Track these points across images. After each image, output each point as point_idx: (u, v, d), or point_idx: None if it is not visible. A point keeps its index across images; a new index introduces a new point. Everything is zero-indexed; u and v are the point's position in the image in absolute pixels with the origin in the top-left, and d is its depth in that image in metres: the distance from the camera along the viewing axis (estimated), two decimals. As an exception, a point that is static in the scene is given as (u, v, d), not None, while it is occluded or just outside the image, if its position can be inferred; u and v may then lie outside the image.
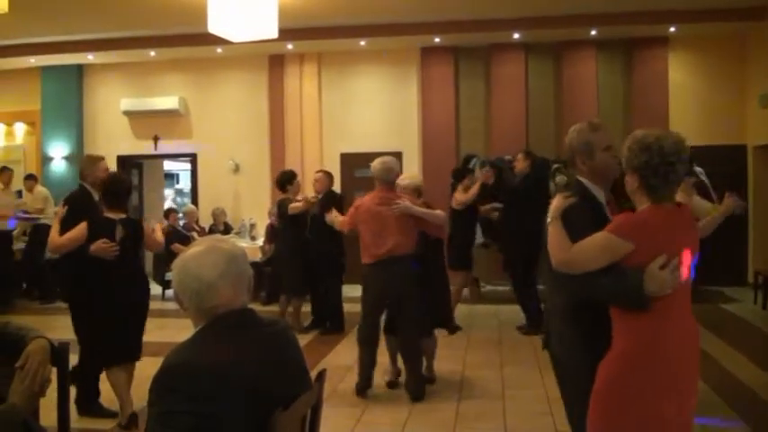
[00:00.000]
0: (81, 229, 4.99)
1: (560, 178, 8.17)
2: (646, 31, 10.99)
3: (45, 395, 2.43)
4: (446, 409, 5.27)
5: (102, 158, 5.80)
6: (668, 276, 2.48)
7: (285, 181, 8.40)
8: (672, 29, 10.88)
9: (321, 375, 2.29)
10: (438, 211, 5.72)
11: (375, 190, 5.78)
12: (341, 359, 6.93)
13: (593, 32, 11.06)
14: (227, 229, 11.72)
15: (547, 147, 10.58)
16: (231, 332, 2.04)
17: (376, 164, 5.81)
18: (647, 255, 2.51)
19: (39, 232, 10.20)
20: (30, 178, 11.46)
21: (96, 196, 5.41)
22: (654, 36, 11.20)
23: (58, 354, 2.58)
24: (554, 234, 2.77)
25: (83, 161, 6.24)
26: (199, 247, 2.13)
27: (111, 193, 5.17)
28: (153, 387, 1.94)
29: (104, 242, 4.93)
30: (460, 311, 9.28)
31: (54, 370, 2.53)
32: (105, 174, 5.52)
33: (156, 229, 5.59)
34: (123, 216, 5.11)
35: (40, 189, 11.23)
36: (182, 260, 2.11)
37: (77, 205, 5.34)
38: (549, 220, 2.83)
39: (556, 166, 8.72)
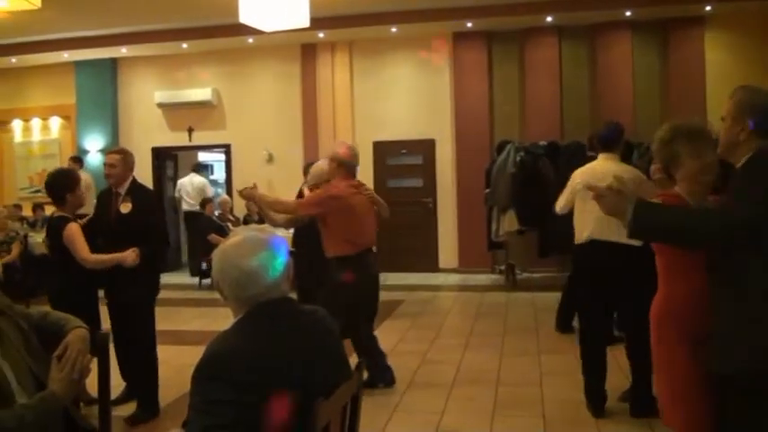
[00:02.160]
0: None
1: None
2: (681, 10, 10.79)
3: (85, 384, 2.45)
4: (483, 396, 5.23)
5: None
6: None
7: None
8: (708, 8, 10.66)
9: (360, 364, 2.29)
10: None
11: (342, 177, 5.32)
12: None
13: (628, 13, 10.89)
14: (261, 219, 11.73)
15: (582, 131, 10.41)
16: (271, 321, 2.05)
17: (350, 150, 5.42)
18: None
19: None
20: (75, 161, 11.46)
21: None
22: (689, 16, 10.98)
23: (97, 343, 2.60)
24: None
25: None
26: (238, 236, 2.13)
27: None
28: (195, 376, 1.95)
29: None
30: (495, 299, 9.26)
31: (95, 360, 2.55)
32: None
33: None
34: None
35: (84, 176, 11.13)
36: (222, 250, 2.11)
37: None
38: None
39: (591, 153, 8.60)
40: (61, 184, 4.80)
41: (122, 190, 4.96)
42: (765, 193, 2.30)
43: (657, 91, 11.26)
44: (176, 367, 5.51)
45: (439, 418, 4.79)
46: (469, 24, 11.33)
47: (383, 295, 8.81)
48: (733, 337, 2.41)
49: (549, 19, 11.07)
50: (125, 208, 4.89)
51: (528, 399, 5.16)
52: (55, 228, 4.72)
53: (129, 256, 4.63)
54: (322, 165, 5.78)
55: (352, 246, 5.24)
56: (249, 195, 5.19)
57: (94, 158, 13.05)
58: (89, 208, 6.40)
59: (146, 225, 4.92)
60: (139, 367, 4.95)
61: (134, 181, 5.05)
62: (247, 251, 2.06)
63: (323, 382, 2.02)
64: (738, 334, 2.39)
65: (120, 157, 4.99)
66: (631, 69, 11.24)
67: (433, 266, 11.80)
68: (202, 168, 13.40)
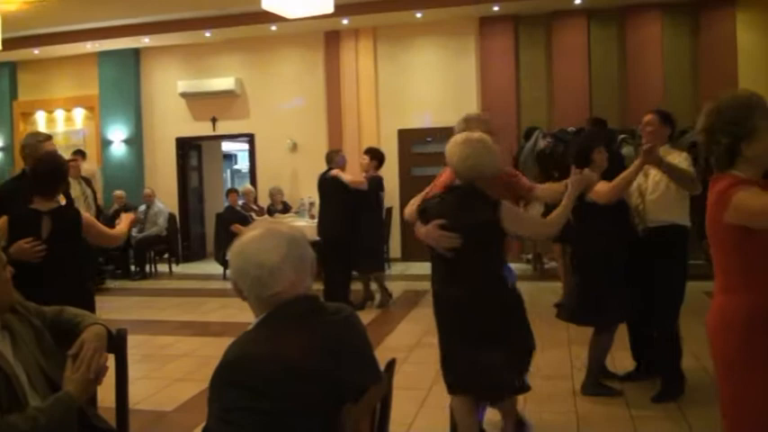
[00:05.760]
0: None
1: (627, 149, 7.86)
2: (712, -9, 10.49)
3: (101, 383, 2.36)
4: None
5: (49, 138, 4.92)
6: None
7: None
8: (739, -12, 10.36)
9: (390, 366, 2.15)
10: None
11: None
12: (404, 339, 6.81)
13: (658, -6, 10.62)
14: (285, 209, 11.69)
15: (612, 117, 10.18)
16: (296, 321, 1.91)
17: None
18: None
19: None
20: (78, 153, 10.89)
21: None
22: (720, -4, 10.70)
23: (115, 341, 2.50)
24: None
25: (24, 138, 5.09)
26: (256, 231, 1.99)
27: (37, 177, 4.17)
28: (213, 382, 1.82)
29: (27, 241, 3.90)
30: (523, 288, 9.08)
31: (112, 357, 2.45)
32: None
33: (123, 220, 4.58)
34: (55, 206, 4.10)
35: (87, 167, 10.85)
36: (239, 246, 1.97)
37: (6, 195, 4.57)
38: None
39: (622, 136, 8.40)
40: (55, 173, 4.18)
41: None
42: None
43: (688, 73, 10.97)
44: (200, 359, 5.43)
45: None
46: (496, 8, 11.12)
47: (406, 285, 8.73)
48: None
49: (577, 1, 10.84)
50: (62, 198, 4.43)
51: (560, 392, 5.01)
52: (68, 217, 4.13)
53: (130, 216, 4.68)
54: None
55: None
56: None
57: (119, 149, 13.06)
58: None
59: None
60: None
61: None
62: (267, 246, 1.92)
63: (351, 385, 1.89)
64: None
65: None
66: (661, 52, 10.97)
67: (459, 255, 11.68)
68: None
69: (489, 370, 3.44)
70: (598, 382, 4.94)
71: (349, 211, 8.05)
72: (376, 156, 8.41)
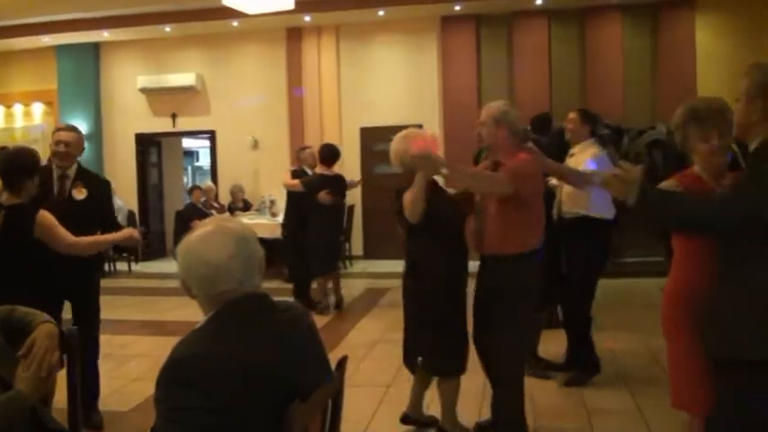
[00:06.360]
0: None
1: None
2: (671, -7, 10.64)
3: (54, 381, 2.33)
4: (473, 384, 5.02)
5: None
6: None
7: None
8: (698, -10, 10.54)
9: (341, 363, 2.14)
10: None
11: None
12: (364, 336, 6.82)
13: (618, -4, 10.76)
14: (246, 207, 11.63)
15: (572, 116, 10.30)
16: (244, 319, 1.88)
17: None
18: None
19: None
20: None
21: None
22: (680, -2, 10.87)
23: (66, 340, 2.47)
24: None
25: None
26: (204, 228, 1.96)
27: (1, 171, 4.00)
28: (160, 381, 1.79)
29: None
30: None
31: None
32: None
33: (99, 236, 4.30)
34: (16, 203, 3.91)
35: None
36: (186, 244, 1.94)
37: None
38: None
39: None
40: (22, 167, 3.97)
41: (71, 173, 4.45)
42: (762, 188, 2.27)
43: (648, 74, 11.13)
44: (158, 358, 5.36)
45: (426, 409, 4.67)
46: (457, 8, 11.17)
47: (368, 283, 8.74)
48: (727, 323, 2.38)
49: (538, 2, 10.93)
50: (80, 194, 4.40)
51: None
52: (21, 218, 3.89)
53: (135, 232, 4.31)
54: None
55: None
56: (435, 164, 3.65)
57: (77, 145, 12.85)
58: None
59: (103, 213, 4.54)
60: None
61: (79, 164, 4.57)
62: (215, 244, 1.89)
63: (300, 382, 1.88)
64: (731, 320, 2.37)
65: (75, 135, 4.50)
66: (621, 52, 11.11)
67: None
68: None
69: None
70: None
71: (297, 212, 8.07)
72: (321, 153, 8.10)
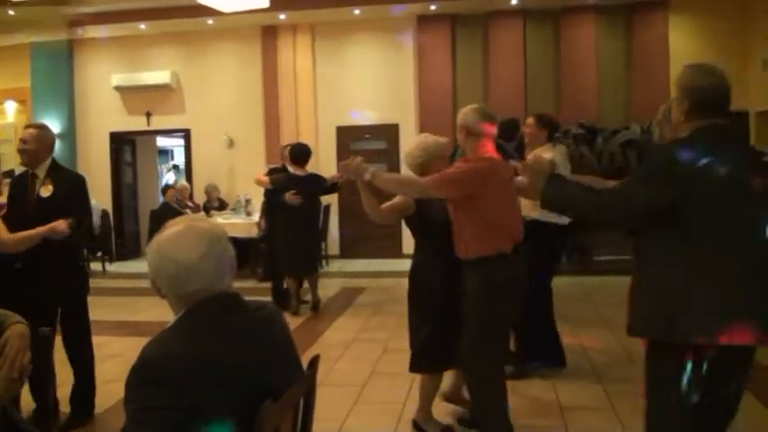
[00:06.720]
0: None
1: (560, 148, 7.99)
2: (645, -6, 10.75)
3: (24, 383, 2.31)
4: (447, 385, 5.12)
5: None
6: None
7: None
8: (671, -9, 10.64)
9: (314, 362, 2.14)
10: None
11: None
12: (339, 336, 6.82)
13: (592, -3, 10.84)
14: (221, 206, 11.58)
15: (547, 115, 10.38)
16: (215, 319, 1.87)
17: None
18: None
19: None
20: None
21: None
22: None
23: (38, 341, 2.45)
24: None
25: None
26: (174, 227, 1.95)
27: None
28: (129, 382, 1.78)
29: None
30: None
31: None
32: None
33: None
34: None
35: None
36: (156, 243, 1.93)
37: None
38: None
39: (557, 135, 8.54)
40: None
41: (41, 172, 4.39)
42: (642, 183, 2.51)
43: (622, 74, 11.24)
44: (132, 360, 5.32)
45: (401, 408, 4.69)
46: (433, 7, 11.21)
47: (343, 282, 8.73)
48: (634, 306, 2.62)
49: (513, 2, 10.99)
50: (46, 191, 4.33)
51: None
52: None
53: (60, 224, 4.04)
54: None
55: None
56: (357, 170, 3.76)
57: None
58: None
59: (71, 210, 4.31)
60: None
61: (54, 162, 4.50)
62: (185, 244, 1.89)
63: (272, 381, 1.87)
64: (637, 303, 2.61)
65: (35, 132, 4.38)
66: (595, 53, 11.20)
67: (397, 252, 11.68)
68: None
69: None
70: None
71: (271, 210, 8.08)
72: (291, 153, 7.99)
